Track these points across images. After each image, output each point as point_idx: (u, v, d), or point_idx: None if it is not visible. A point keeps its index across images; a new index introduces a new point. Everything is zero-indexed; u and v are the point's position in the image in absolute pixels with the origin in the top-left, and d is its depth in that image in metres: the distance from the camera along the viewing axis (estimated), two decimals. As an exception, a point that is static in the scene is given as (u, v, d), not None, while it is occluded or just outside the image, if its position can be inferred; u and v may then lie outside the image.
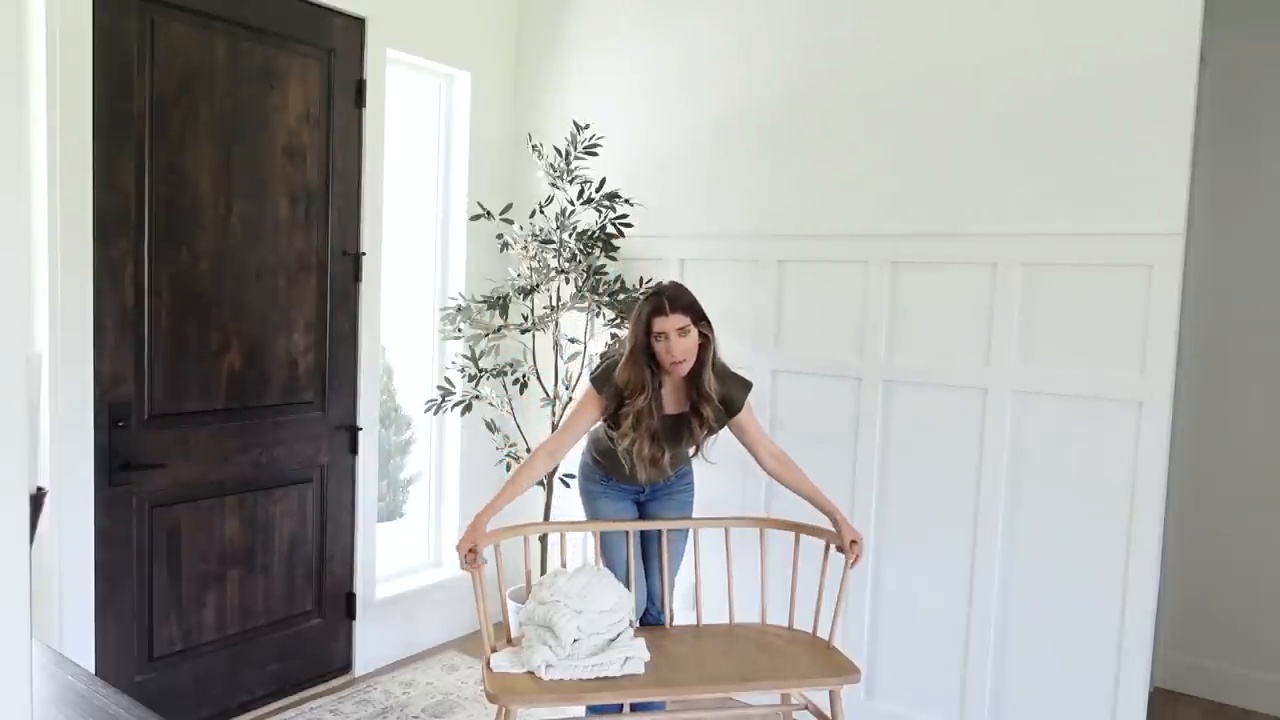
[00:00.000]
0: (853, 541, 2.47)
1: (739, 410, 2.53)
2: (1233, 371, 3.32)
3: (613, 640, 2.39)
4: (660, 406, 2.49)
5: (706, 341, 2.44)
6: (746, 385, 2.58)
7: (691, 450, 2.59)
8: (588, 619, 2.35)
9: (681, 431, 2.52)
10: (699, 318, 2.44)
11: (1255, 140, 3.27)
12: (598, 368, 2.58)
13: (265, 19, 2.90)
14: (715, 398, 2.46)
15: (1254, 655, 3.30)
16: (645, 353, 2.43)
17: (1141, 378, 2.53)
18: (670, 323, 2.38)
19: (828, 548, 2.55)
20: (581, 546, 3.42)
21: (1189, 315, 3.24)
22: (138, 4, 2.57)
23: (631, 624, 2.49)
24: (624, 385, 2.46)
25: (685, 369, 2.43)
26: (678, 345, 2.39)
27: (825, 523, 2.57)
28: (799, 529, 2.63)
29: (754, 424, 2.60)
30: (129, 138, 2.58)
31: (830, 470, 2.97)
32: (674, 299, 2.41)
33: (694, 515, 2.81)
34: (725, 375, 2.54)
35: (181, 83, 2.70)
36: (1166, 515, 2.81)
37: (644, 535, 2.73)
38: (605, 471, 2.67)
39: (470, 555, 2.35)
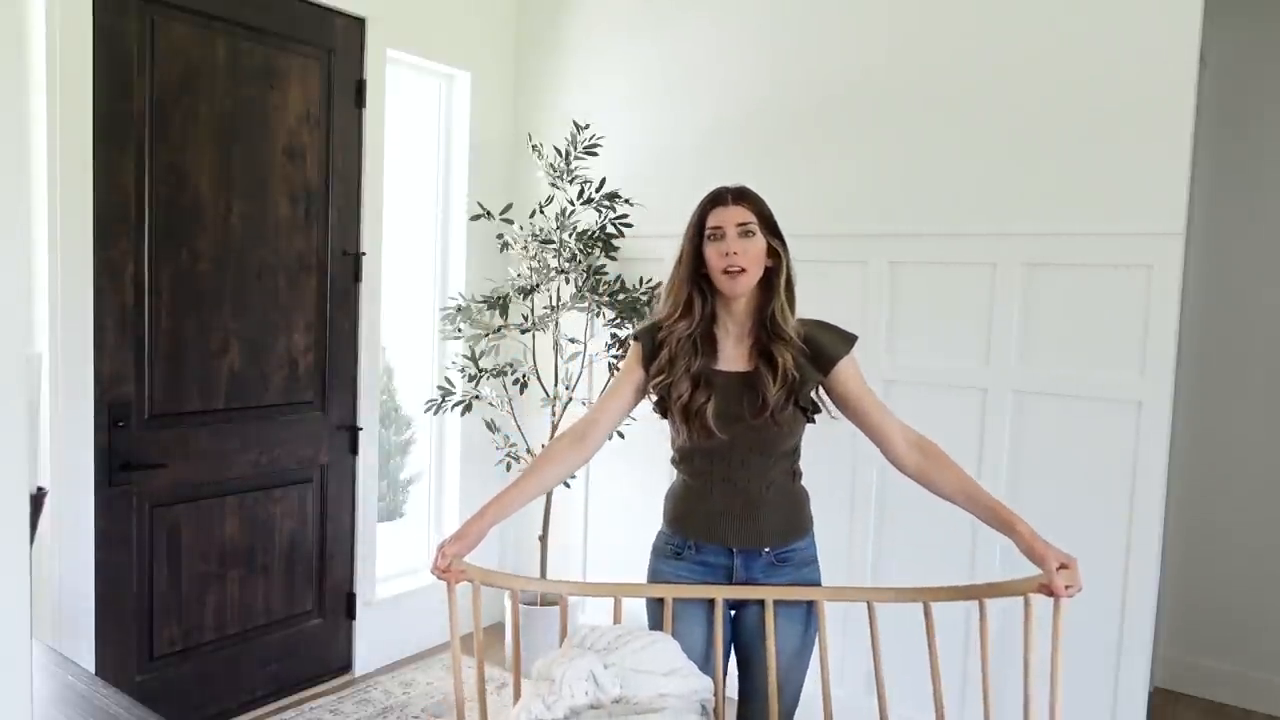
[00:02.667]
0: (1062, 566, 1.64)
1: (836, 360, 1.85)
2: (1233, 371, 3.32)
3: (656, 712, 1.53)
4: (713, 348, 1.86)
5: (778, 262, 1.85)
6: (848, 336, 1.91)
7: (765, 415, 1.79)
8: (614, 673, 1.54)
9: (749, 391, 1.82)
10: (770, 226, 1.85)
11: (1255, 140, 3.27)
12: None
13: (265, 19, 2.90)
14: (792, 334, 1.83)
15: (1254, 655, 3.30)
16: (695, 263, 1.86)
17: (1141, 378, 2.53)
18: (730, 214, 1.81)
19: (1028, 604, 1.70)
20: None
21: (1189, 315, 3.24)
22: (138, 4, 2.57)
23: (704, 711, 1.69)
24: (664, 310, 1.89)
25: (744, 284, 1.81)
26: (736, 244, 1.79)
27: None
28: (982, 593, 1.79)
29: (870, 394, 1.91)
30: (129, 138, 2.58)
31: (830, 470, 2.96)
32: (739, 192, 1.86)
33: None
34: (812, 322, 1.92)
35: (181, 83, 2.70)
36: (1166, 515, 2.81)
37: (740, 648, 1.92)
38: (681, 536, 1.90)
39: (449, 565, 1.70)
